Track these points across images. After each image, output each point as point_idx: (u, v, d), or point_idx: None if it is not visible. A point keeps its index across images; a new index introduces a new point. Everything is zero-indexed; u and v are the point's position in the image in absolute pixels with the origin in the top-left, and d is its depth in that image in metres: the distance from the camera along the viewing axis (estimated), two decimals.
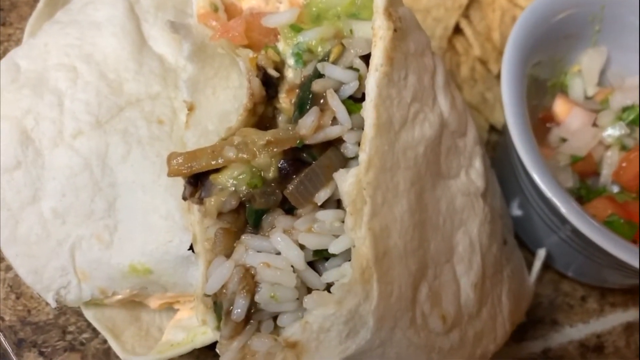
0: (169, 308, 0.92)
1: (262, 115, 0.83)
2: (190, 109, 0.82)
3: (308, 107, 0.78)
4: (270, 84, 0.81)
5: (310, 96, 0.78)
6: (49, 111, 0.86)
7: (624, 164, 1.11)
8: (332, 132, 0.76)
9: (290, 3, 0.84)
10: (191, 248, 0.80)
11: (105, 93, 0.87)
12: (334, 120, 0.77)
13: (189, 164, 0.76)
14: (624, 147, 1.13)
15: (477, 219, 0.90)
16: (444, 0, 1.23)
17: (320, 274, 0.75)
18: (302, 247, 0.74)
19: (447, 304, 0.83)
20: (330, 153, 0.77)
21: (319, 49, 0.80)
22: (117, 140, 0.85)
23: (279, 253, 0.74)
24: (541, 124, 1.20)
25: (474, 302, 0.87)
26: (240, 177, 0.77)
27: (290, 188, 0.75)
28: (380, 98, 0.73)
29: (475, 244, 0.89)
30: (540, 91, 1.20)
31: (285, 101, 0.82)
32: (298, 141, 0.76)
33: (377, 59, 0.73)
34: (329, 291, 0.71)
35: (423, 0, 1.22)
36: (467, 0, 1.24)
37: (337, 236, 0.74)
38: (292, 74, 0.81)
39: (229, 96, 0.85)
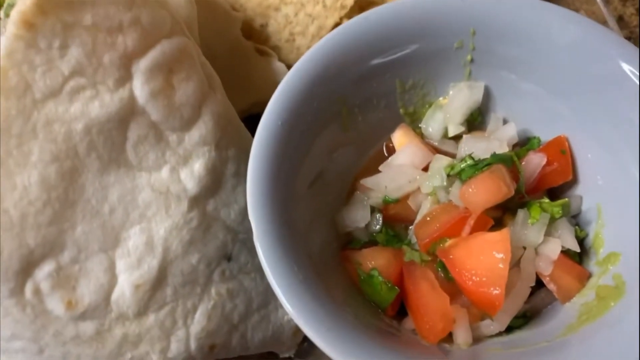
0: None
1: None
2: None
3: None
4: None
5: None
6: None
7: (427, 219, 0.93)
8: None
9: None
10: None
11: None
12: None
13: None
14: (437, 201, 0.94)
15: (168, 221, 0.84)
16: None
17: None
18: None
19: (83, 291, 0.80)
20: None
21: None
22: None
23: None
24: (382, 152, 1.06)
25: (132, 303, 0.82)
26: None
27: None
28: (12, 61, 0.72)
29: (157, 246, 0.83)
30: (392, 118, 1.05)
31: None
32: None
33: (10, 22, 0.72)
34: None
35: None
36: (352, 2, 1.12)
37: None
38: None
39: None
